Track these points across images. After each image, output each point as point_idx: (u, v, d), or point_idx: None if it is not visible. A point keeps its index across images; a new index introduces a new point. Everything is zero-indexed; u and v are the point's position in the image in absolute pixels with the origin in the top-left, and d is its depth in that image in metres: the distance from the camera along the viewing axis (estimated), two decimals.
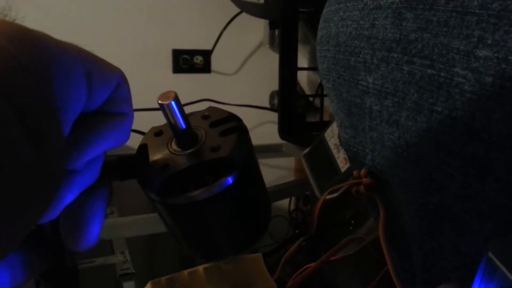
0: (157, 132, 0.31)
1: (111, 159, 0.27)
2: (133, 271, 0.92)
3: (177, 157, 0.28)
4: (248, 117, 1.46)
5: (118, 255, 0.97)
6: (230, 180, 0.28)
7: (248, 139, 0.30)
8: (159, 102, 0.26)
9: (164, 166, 0.28)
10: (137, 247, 1.24)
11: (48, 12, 1.22)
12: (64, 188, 0.22)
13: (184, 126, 0.28)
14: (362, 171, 0.43)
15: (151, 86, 1.33)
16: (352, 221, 0.80)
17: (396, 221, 0.41)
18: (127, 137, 0.25)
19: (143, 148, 0.29)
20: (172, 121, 0.27)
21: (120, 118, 0.24)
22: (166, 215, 0.30)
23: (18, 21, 0.21)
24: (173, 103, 0.26)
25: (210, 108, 0.32)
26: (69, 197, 0.23)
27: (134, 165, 0.28)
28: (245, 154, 0.29)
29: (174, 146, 0.29)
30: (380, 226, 0.39)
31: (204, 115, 0.31)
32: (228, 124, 0.30)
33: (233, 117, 0.31)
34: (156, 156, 0.29)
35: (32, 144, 0.17)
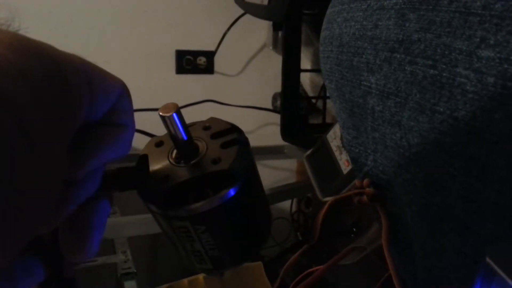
0: (158, 142, 0.30)
1: (111, 170, 0.26)
2: (135, 271, 0.92)
3: (178, 168, 0.28)
4: (251, 118, 1.45)
5: (120, 254, 0.97)
6: (230, 192, 0.27)
7: (249, 151, 0.30)
8: (160, 114, 0.26)
9: (165, 177, 0.28)
10: (139, 246, 1.24)
11: (52, 12, 1.23)
12: (63, 198, 0.22)
13: (185, 138, 0.27)
14: (365, 181, 0.43)
15: (154, 86, 1.34)
16: (354, 229, 0.80)
17: (398, 222, 0.41)
18: (128, 149, 0.25)
19: (143, 159, 0.29)
20: (173, 133, 0.27)
21: (121, 130, 0.24)
22: (166, 227, 0.30)
23: (22, 32, 0.21)
24: (174, 115, 0.26)
25: (211, 119, 0.32)
26: (68, 208, 0.23)
27: (134, 176, 0.28)
28: (246, 166, 0.29)
29: (174, 157, 0.29)
30: (383, 237, 0.39)
31: (205, 126, 0.31)
32: (229, 136, 0.30)
33: (234, 129, 0.30)
34: (156, 167, 0.29)
35: (31, 154, 0.17)
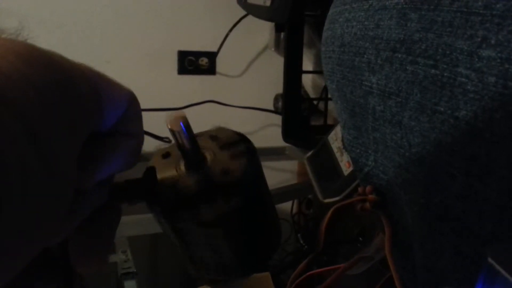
0: (165, 154, 0.30)
1: (119, 182, 0.26)
2: (135, 270, 0.92)
3: (186, 179, 0.28)
4: (252, 120, 1.45)
5: (120, 254, 0.97)
6: (239, 203, 0.27)
7: (257, 161, 0.30)
8: (168, 124, 0.26)
9: (173, 189, 0.28)
10: (139, 246, 1.24)
11: (54, 12, 1.23)
12: (73, 208, 0.22)
13: (193, 148, 0.27)
14: (368, 188, 0.43)
15: (156, 87, 1.34)
16: (360, 238, 0.80)
17: (398, 223, 0.41)
18: (136, 158, 0.25)
19: (151, 170, 0.29)
20: (181, 142, 0.27)
21: (129, 140, 0.24)
22: (174, 236, 0.29)
23: (30, 41, 0.21)
24: (182, 125, 0.26)
25: (218, 128, 0.31)
26: (78, 217, 0.23)
27: (142, 187, 0.28)
28: (254, 176, 0.29)
29: (182, 168, 0.29)
30: (386, 245, 0.39)
31: (212, 136, 0.30)
32: (237, 145, 0.29)
33: (241, 138, 0.30)
34: (164, 178, 0.28)
35: (42, 165, 0.17)
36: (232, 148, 0.29)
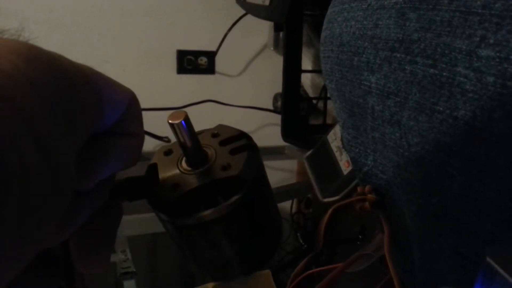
0: (167, 151, 0.31)
1: (120, 180, 0.27)
2: (134, 270, 0.92)
3: (187, 176, 0.28)
4: (251, 119, 1.44)
5: (119, 253, 0.97)
6: (241, 199, 0.27)
7: (258, 157, 0.30)
8: (169, 121, 0.26)
9: (174, 185, 0.28)
10: (139, 246, 1.24)
11: (53, 11, 1.23)
12: (73, 209, 0.22)
13: (194, 145, 0.28)
14: (367, 188, 0.43)
15: (155, 86, 1.34)
16: (360, 236, 0.80)
17: (397, 223, 0.41)
18: (137, 158, 0.25)
19: (153, 167, 0.29)
20: (182, 140, 0.27)
21: (130, 139, 0.24)
22: (176, 234, 0.30)
23: (31, 42, 0.21)
24: (183, 122, 0.26)
25: (219, 126, 0.32)
26: (78, 218, 0.23)
27: (144, 185, 0.28)
28: (255, 172, 0.29)
29: (184, 165, 0.29)
30: (385, 245, 0.39)
31: (214, 133, 0.31)
32: (238, 142, 0.30)
33: (242, 135, 0.30)
34: (166, 175, 0.29)
35: (43, 164, 0.17)
36: (232, 144, 0.30)
